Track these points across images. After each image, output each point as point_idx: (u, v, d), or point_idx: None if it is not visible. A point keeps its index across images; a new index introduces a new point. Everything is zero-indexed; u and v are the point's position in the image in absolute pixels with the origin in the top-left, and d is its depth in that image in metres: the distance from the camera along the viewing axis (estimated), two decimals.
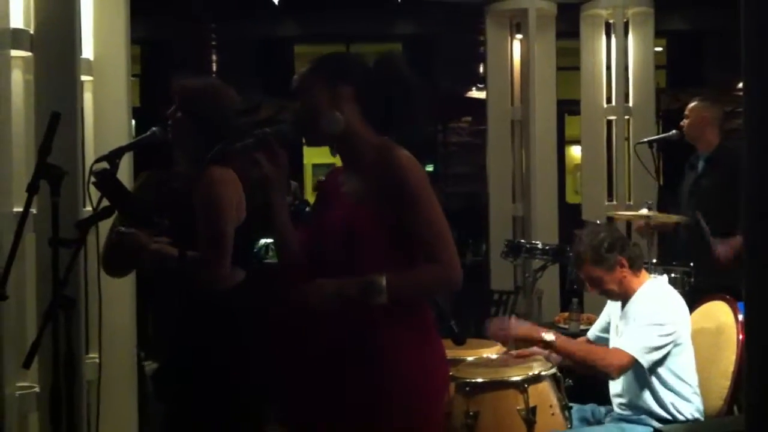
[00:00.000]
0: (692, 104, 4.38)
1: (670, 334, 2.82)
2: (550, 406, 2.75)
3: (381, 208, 2.07)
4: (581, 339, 3.23)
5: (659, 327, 2.80)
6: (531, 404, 2.70)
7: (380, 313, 2.03)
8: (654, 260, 3.92)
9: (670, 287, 3.01)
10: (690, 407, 2.85)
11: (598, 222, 4.00)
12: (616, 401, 2.98)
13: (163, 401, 2.66)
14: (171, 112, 2.61)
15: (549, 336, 2.84)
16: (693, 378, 2.88)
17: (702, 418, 2.88)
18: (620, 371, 2.81)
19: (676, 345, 2.84)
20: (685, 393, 2.85)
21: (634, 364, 2.79)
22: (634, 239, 4.12)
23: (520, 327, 2.97)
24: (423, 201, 2.05)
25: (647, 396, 2.86)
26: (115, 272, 2.76)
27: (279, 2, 11.27)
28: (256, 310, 2.50)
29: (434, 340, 2.16)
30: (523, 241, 4.43)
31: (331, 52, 2.29)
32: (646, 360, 2.79)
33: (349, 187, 2.16)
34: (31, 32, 2.94)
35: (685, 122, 4.37)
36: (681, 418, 2.84)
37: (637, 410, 2.89)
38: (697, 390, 2.88)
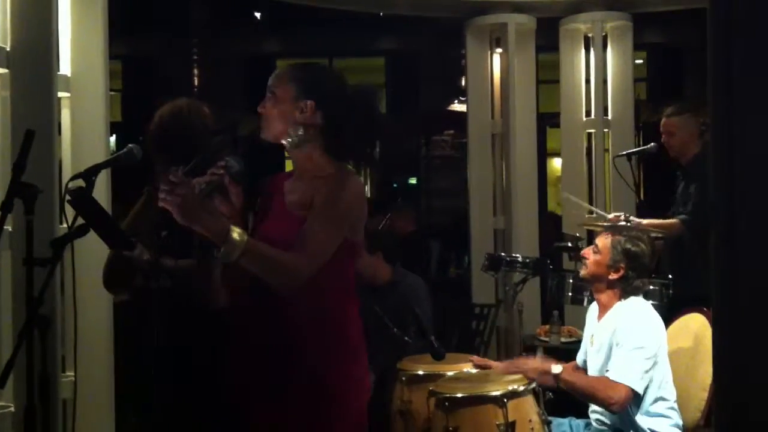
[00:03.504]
0: (673, 119, 4.30)
1: (653, 356, 2.83)
2: (530, 421, 2.75)
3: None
4: (570, 364, 3.21)
5: (644, 350, 2.81)
6: (510, 419, 2.69)
7: (305, 317, 2.17)
8: None
9: (647, 303, 3.02)
10: (668, 422, 2.86)
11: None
12: (593, 416, 2.99)
13: (146, 414, 2.63)
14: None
15: (557, 368, 2.85)
16: (671, 393, 2.89)
17: None
18: (622, 407, 2.80)
19: (655, 363, 2.85)
20: (662, 408, 2.86)
21: (633, 395, 2.79)
22: None
23: (531, 363, 2.96)
24: (330, 211, 2.15)
25: (625, 411, 2.86)
26: (115, 288, 2.78)
27: (262, 18, 11.30)
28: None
29: (359, 353, 2.29)
30: (503, 254, 4.42)
31: (312, 63, 2.36)
32: (642, 387, 2.79)
33: (292, 198, 2.26)
34: (8, 49, 2.92)
35: (669, 139, 4.31)
36: None
37: (615, 425, 2.90)
38: (675, 405, 2.89)
